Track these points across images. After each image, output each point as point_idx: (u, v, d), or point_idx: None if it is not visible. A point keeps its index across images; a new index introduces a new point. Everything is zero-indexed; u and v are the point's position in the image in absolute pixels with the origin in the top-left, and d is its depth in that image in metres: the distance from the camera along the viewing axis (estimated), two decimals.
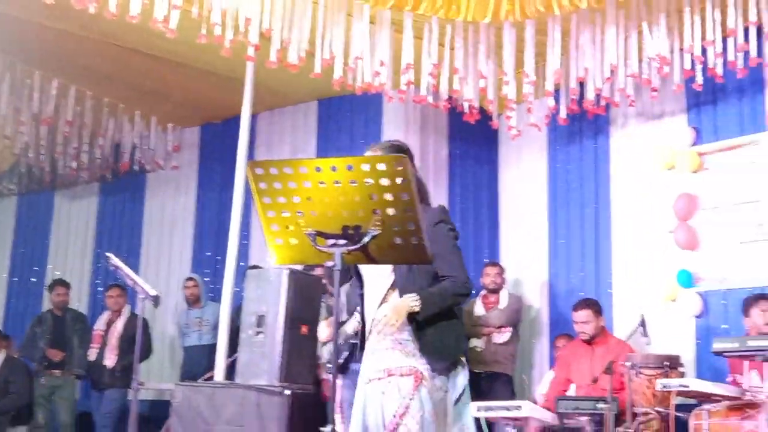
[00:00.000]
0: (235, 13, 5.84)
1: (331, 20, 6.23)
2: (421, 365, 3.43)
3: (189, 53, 7.20)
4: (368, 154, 3.52)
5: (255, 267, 7.04)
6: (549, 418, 5.93)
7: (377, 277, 3.57)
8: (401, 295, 3.47)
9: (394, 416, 3.37)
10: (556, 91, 6.98)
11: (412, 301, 3.41)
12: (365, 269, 3.63)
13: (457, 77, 6.68)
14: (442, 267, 3.49)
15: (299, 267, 6.31)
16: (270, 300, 6.31)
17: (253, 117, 7.54)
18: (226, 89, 7.77)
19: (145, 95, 8.72)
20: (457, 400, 3.59)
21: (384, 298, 3.55)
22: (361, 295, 3.70)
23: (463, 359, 3.63)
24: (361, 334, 3.72)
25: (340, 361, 5.93)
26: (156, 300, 4.53)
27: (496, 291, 7.53)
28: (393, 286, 3.53)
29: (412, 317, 3.44)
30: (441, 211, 3.61)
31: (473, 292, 7.71)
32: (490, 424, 6.14)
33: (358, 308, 4.01)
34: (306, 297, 6.21)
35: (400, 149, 3.60)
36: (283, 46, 6.10)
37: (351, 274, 3.70)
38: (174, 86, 8.37)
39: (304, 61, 6.21)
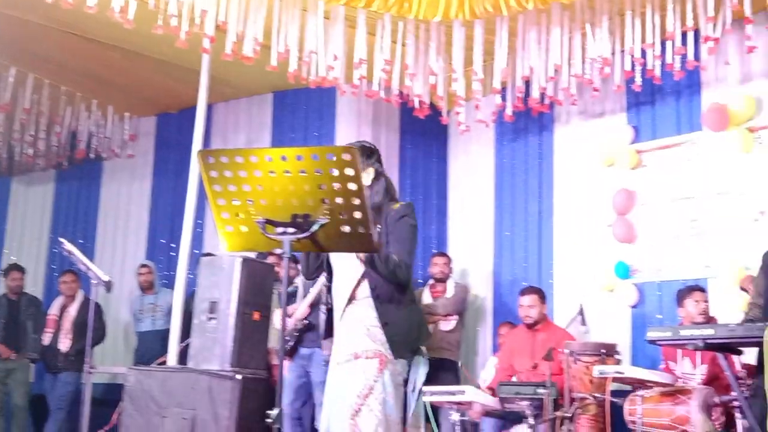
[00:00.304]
0: (191, 4, 5.76)
1: (286, 14, 6.18)
2: (386, 350, 3.49)
3: (146, 44, 7.10)
4: None
5: (208, 254, 6.96)
6: (491, 402, 5.96)
7: (348, 268, 3.62)
8: (371, 287, 3.55)
9: (359, 397, 3.42)
10: (503, 89, 7.00)
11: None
12: (335, 261, 3.69)
13: (408, 73, 6.67)
14: (394, 251, 3.56)
15: (252, 255, 6.28)
16: (223, 287, 6.26)
17: (209, 108, 7.46)
18: (182, 80, 7.69)
19: (102, 84, 8.59)
20: (416, 390, 3.62)
21: (354, 289, 3.61)
22: (329, 287, 3.76)
23: (424, 349, 3.67)
24: (329, 322, 3.77)
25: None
26: (108, 285, 4.47)
27: (443, 280, 7.55)
28: (363, 276, 3.59)
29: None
30: (407, 206, 3.72)
31: (420, 282, 7.83)
32: (435, 408, 6.15)
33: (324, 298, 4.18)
34: (258, 284, 6.16)
35: (369, 149, 3.76)
36: (239, 39, 6.04)
37: (323, 267, 3.77)
38: (131, 76, 8.26)
39: (258, 54, 6.14)
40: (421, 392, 3.68)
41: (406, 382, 3.60)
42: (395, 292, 3.58)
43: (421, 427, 3.73)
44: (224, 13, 5.89)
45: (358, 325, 3.56)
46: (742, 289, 5.71)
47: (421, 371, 3.66)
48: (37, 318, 8.21)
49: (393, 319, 3.53)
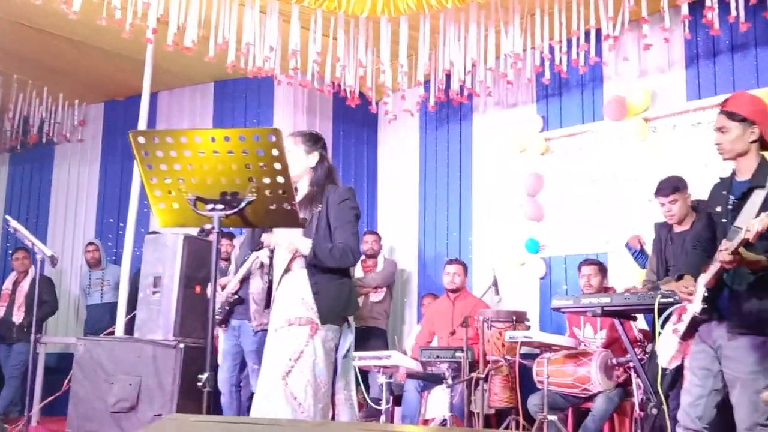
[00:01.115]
0: None
1: (224, 8, 6.06)
2: (317, 317, 3.48)
3: (92, 34, 6.90)
4: (285, 140, 3.49)
5: (153, 233, 6.82)
6: (414, 365, 5.99)
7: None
8: (306, 262, 3.52)
9: (290, 359, 3.41)
10: (426, 81, 7.01)
11: (306, 243, 3.47)
12: (277, 234, 3.64)
13: (340, 65, 6.62)
14: (339, 236, 3.53)
15: (194, 232, 6.19)
16: (166, 262, 6.16)
17: (154, 95, 7.31)
18: (127, 69, 7.49)
19: (52, 73, 8.34)
20: (345, 356, 3.62)
21: (290, 261, 3.57)
22: (271, 258, 3.73)
23: (351, 319, 3.66)
24: (269, 292, 3.77)
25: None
26: (53, 260, 4.34)
27: (373, 256, 7.55)
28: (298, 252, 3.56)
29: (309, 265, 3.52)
30: (348, 190, 3.67)
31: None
32: (364, 372, 6.16)
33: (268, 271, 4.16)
34: (199, 260, 6.09)
35: (316, 136, 3.70)
36: (180, 31, 5.90)
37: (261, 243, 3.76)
38: (79, 65, 8.03)
39: (196, 45, 6.02)
40: (349, 357, 3.68)
41: (336, 347, 3.59)
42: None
43: (351, 390, 3.72)
44: (165, 6, 5.74)
45: (293, 295, 3.53)
46: (627, 245, 5.78)
47: (349, 338, 3.66)
48: None
49: (324, 290, 3.51)
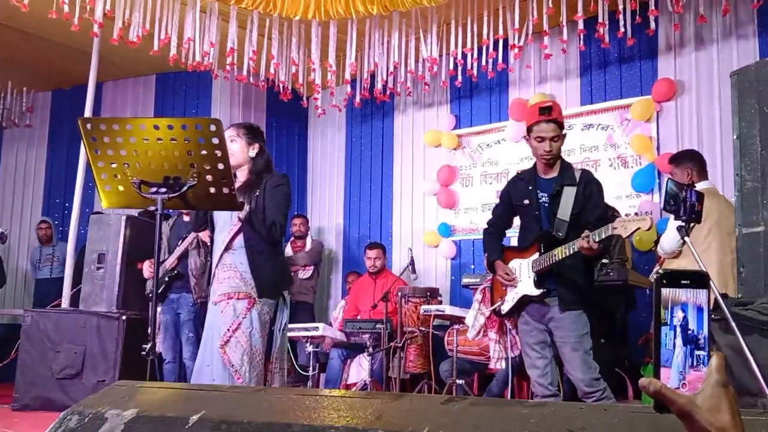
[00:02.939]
0: None
1: (167, 6, 5.87)
2: (254, 292, 3.45)
3: (42, 26, 6.59)
4: (229, 131, 3.52)
5: (98, 213, 6.60)
6: (339, 336, 5.98)
7: (226, 222, 3.57)
8: (245, 238, 3.49)
9: (228, 330, 3.39)
10: (353, 80, 6.97)
11: (245, 209, 3.45)
12: (217, 216, 3.64)
13: (273, 63, 6.51)
14: (270, 213, 3.50)
15: (135, 213, 6.02)
16: (110, 240, 6.00)
17: (99, 85, 7.04)
18: (75, 59, 7.19)
19: (2, 62, 7.92)
20: (282, 329, 3.59)
21: (231, 240, 3.53)
22: (211, 238, 3.71)
23: (287, 295, 3.63)
24: (209, 268, 3.77)
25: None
26: (2, 237, 4.13)
27: (302, 237, 7.49)
28: (239, 230, 3.53)
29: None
30: (283, 177, 3.66)
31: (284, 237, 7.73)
32: (293, 342, 6.11)
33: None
34: (141, 238, 5.93)
35: (257, 129, 3.68)
36: (125, 26, 5.68)
37: (208, 222, 3.72)
38: (28, 55, 7.66)
39: (141, 40, 5.81)
40: (285, 330, 3.65)
41: (273, 321, 3.55)
42: (265, 243, 3.50)
43: (283, 360, 3.70)
44: (111, 3, 5.52)
45: (232, 271, 3.49)
46: None
47: (285, 313, 3.63)
48: None
49: (261, 267, 3.48)
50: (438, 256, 7.36)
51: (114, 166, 2.71)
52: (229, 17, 6.07)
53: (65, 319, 5.87)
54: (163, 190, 2.73)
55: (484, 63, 6.28)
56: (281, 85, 6.80)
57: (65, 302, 6.34)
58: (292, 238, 7.54)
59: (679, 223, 3.06)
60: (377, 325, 5.61)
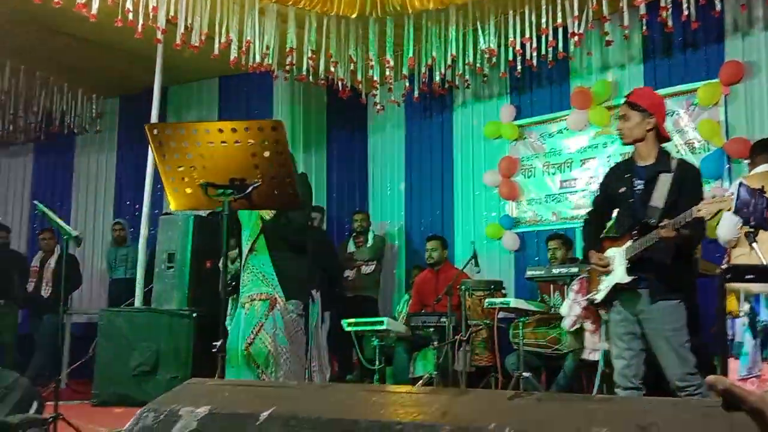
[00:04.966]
0: (145, 1, 5.52)
1: (227, 9, 5.99)
2: (278, 292, 3.47)
3: (108, 35, 6.77)
4: None
5: (167, 214, 6.80)
6: (404, 330, 6.00)
7: (251, 224, 3.60)
8: (268, 242, 3.50)
9: (251, 332, 3.42)
10: (411, 75, 6.96)
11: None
12: (243, 219, 3.65)
13: (332, 61, 6.57)
14: (293, 216, 3.51)
15: (203, 213, 6.16)
16: (179, 240, 6.17)
17: (165, 90, 7.25)
18: (140, 66, 7.39)
19: (71, 70, 8.24)
20: (315, 326, 3.61)
21: (254, 242, 3.57)
22: (240, 239, 3.72)
23: (314, 292, 3.64)
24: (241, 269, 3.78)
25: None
26: (78, 240, 4.28)
27: (363, 233, 7.53)
28: (261, 231, 3.56)
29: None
30: (301, 176, 3.64)
31: (347, 234, 7.81)
32: (359, 336, 6.16)
33: None
34: (209, 237, 6.08)
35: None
36: (187, 31, 5.82)
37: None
38: (96, 63, 7.92)
39: (203, 44, 5.95)
40: (318, 327, 3.66)
41: (306, 320, 3.57)
42: (288, 244, 3.53)
43: (323, 357, 3.70)
44: (173, 9, 5.66)
45: (256, 272, 3.52)
46: None
47: (316, 310, 3.64)
48: (21, 270, 7.91)
49: (285, 267, 3.50)
50: (501, 248, 7.30)
51: (181, 169, 2.79)
52: (287, 18, 6.15)
53: (139, 318, 6.08)
54: (229, 191, 2.79)
55: (543, 52, 6.20)
56: (340, 83, 6.86)
57: (138, 301, 6.56)
58: (355, 234, 7.61)
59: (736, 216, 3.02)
60: (441, 319, 5.60)
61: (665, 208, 3.34)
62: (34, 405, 3.50)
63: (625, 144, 3.59)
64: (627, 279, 3.40)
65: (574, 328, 4.50)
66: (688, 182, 3.41)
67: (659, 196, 3.37)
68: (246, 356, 3.40)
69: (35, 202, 4.43)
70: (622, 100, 3.59)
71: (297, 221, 3.51)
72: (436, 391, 1.49)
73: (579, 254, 6.48)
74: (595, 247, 3.60)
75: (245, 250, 3.58)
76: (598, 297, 3.55)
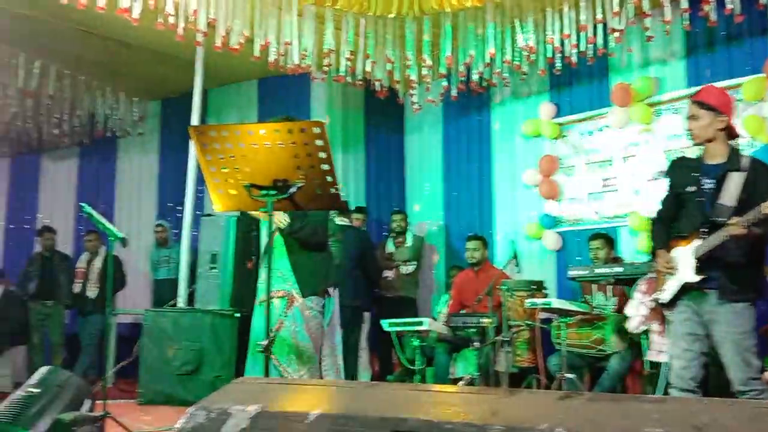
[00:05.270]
0: (185, 4, 5.60)
1: (266, 12, 6.04)
2: (295, 290, 3.46)
3: (149, 39, 6.91)
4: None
5: (208, 215, 6.88)
6: (444, 330, 5.99)
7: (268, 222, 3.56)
8: (285, 240, 3.53)
9: (272, 330, 3.40)
10: (448, 73, 6.94)
11: (285, 218, 3.47)
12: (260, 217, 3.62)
13: (369, 61, 6.58)
14: (312, 218, 3.54)
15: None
16: (221, 241, 6.23)
17: (205, 92, 7.33)
18: (181, 69, 7.49)
19: (114, 74, 8.39)
20: (328, 324, 3.59)
21: (271, 240, 3.52)
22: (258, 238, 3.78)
23: (332, 291, 3.62)
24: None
25: None
26: (123, 241, 4.36)
27: (402, 233, 7.53)
28: (278, 228, 3.56)
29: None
30: None
31: (385, 234, 7.82)
32: (400, 336, 6.17)
33: None
34: (250, 238, 6.13)
35: (293, 120, 3.61)
36: (226, 33, 5.89)
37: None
38: (137, 67, 8.05)
39: (243, 47, 6.01)
40: (333, 325, 3.64)
41: (322, 316, 3.55)
42: (305, 242, 3.53)
43: (337, 355, 3.68)
44: (213, 11, 5.73)
45: (274, 270, 3.51)
46: None
47: (333, 309, 3.63)
48: (68, 271, 8.10)
49: (303, 265, 3.50)
50: (542, 248, 7.23)
51: (225, 170, 2.83)
52: (324, 19, 6.18)
53: (182, 318, 6.16)
54: (273, 192, 2.82)
55: (583, 48, 6.11)
56: (377, 84, 6.87)
57: (181, 302, 6.65)
58: (393, 234, 7.61)
59: None
60: (482, 319, 5.57)
61: (737, 207, 3.27)
62: (87, 403, 3.57)
63: (695, 144, 3.52)
64: (696, 278, 3.33)
65: (641, 329, 4.42)
66: (761, 180, 3.33)
67: (730, 195, 3.31)
68: (268, 355, 3.40)
69: (82, 204, 4.53)
70: (688, 100, 3.56)
71: (314, 221, 3.51)
72: (485, 391, 1.48)
73: (621, 254, 6.41)
74: (662, 246, 3.54)
75: (263, 247, 3.59)
76: (665, 297, 3.49)
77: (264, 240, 3.65)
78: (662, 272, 3.50)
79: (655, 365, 4.54)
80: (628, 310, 4.49)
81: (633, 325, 4.48)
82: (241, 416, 1.52)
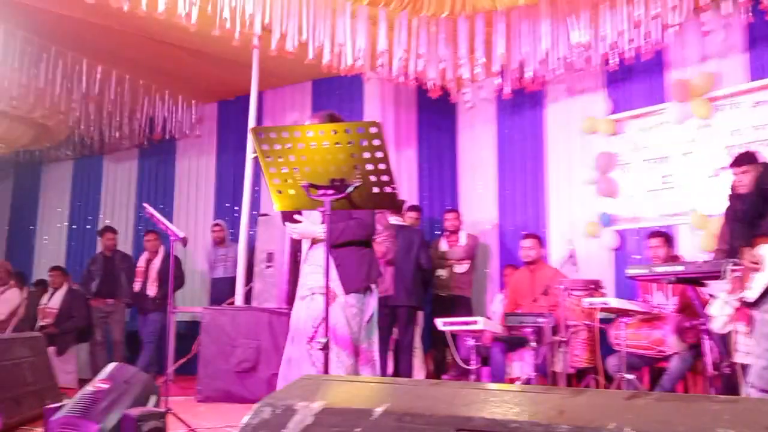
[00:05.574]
0: (241, 9, 5.70)
1: (319, 15, 6.10)
2: (337, 286, 3.42)
3: (206, 43, 7.04)
4: (308, 123, 3.47)
5: (264, 214, 6.99)
6: (499, 330, 5.95)
7: (312, 217, 3.56)
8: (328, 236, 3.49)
9: (313, 326, 3.38)
10: (502, 71, 6.89)
11: (319, 230, 3.45)
12: (304, 216, 3.60)
13: (422, 61, 6.58)
14: (360, 213, 3.50)
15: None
16: (278, 240, 6.31)
17: (260, 94, 7.44)
18: (237, 72, 7.63)
19: (172, 78, 8.58)
20: (368, 321, 3.56)
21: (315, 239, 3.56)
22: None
23: (373, 286, 3.59)
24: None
25: None
26: (184, 241, 4.46)
27: (455, 231, 7.50)
28: (323, 223, 3.48)
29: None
30: None
31: (438, 233, 7.81)
32: (454, 336, 6.15)
33: None
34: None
35: (334, 117, 3.65)
36: (281, 37, 5.97)
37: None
38: (195, 70, 8.23)
39: (297, 49, 6.08)
40: (372, 322, 3.60)
41: (362, 313, 3.52)
42: (349, 238, 3.50)
43: (374, 351, 3.63)
44: (268, 16, 5.82)
45: (316, 266, 3.48)
46: None
47: (372, 304, 3.58)
48: (128, 270, 8.28)
49: (345, 261, 3.46)
50: (599, 246, 7.12)
51: (285, 171, 2.86)
52: (377, 20, 6.21)
53: (240, 316, 6.26)
54: (331, 192, 2.84)
55: (638, 44, 6.00)
56: (430, 83, 6.86)
57: (239, 300, 6.76)
58: (447, 233, 7.59)
59: None
60: (539, 319, 5.51)
61: None
62: (152, 399, 3.66)
63: None
64: None
65: (726, 329, 4.31)
66: None
67: None
68: (308, 351, 3.37)
69: (144, 204, 4.64)
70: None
71: (363, 219, 3.49)
72: (550, 390, 1.47)
73: (681, 252, 6.26)
74: (747, 243, 3.45)
75: (306, 243, 3.57)
76: (751, 295, 3.40)
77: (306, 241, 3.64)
78: (749, 269, 3.40)
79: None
80: (713, 310, 4.37)
81: (718, 326, 4.35)
82: (306, 412, 1.54)
